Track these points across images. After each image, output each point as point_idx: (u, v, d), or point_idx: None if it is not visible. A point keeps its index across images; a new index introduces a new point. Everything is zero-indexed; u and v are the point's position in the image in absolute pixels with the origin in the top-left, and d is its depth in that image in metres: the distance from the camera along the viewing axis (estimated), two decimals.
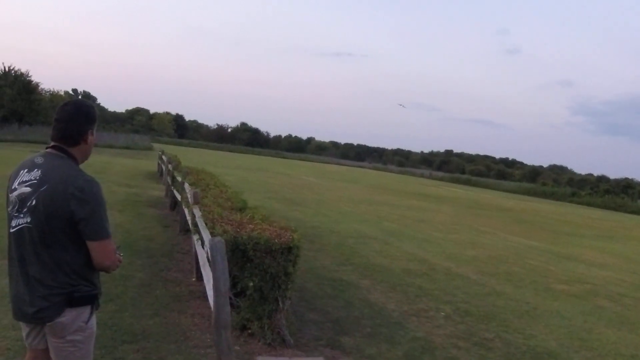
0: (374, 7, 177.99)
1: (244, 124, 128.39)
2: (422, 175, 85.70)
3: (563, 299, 10.15)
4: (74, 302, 2.98)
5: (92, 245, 2.94)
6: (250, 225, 6.53)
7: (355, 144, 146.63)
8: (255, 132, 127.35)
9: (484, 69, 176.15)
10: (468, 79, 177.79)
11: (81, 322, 3.02)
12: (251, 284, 5.85)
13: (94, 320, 3.13)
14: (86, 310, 3.04)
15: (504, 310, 8.81)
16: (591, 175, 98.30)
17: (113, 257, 3.06)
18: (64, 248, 2.91)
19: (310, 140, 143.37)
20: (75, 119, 3.06)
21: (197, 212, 7.55)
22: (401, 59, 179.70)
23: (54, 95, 64.53)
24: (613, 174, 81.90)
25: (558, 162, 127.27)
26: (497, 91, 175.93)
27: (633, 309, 10.07)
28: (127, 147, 53.95)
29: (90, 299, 3.05)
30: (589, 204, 55.42)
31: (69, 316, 2.98)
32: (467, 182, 74.53)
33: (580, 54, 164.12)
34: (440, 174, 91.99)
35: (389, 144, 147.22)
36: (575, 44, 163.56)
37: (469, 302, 9.10)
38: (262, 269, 5.85)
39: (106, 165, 28.13)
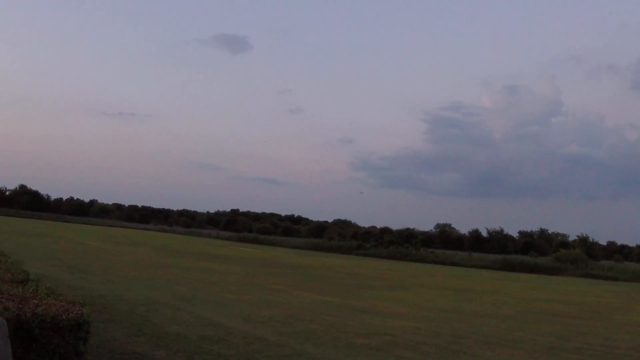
0: (156, 67, 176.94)
1: (23, 186, 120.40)
2: (209, 236, 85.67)
3: (365, 354, 10.39)
4: None
5: None
6: (35, 300, 6.11)
7: (139, 205, 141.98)
8: (35, 194, 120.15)
9: (268, 128, 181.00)
10: (253, 138, 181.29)
11: None
12: None
13: None
14: None
15: None
16: (375, 227, 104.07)
17: None
18: None
19: (93, 202, 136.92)
20: None
21: None
22: (185, 119, 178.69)
23: None
24: (395, 225, 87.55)
25: (342, 217, 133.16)
26: (281, 149, 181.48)
27: (433, 356, 10.60)
28: None
29: None
30: (375, 256, 58.75)
31: None
32: (255, 241, 76.00)
33: (357, 113, 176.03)
34: (227, 233, 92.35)
35: (175, 205, 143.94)
36: (352, 103, 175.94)
37: None
38: (49, 349, 5.42)
39: None
